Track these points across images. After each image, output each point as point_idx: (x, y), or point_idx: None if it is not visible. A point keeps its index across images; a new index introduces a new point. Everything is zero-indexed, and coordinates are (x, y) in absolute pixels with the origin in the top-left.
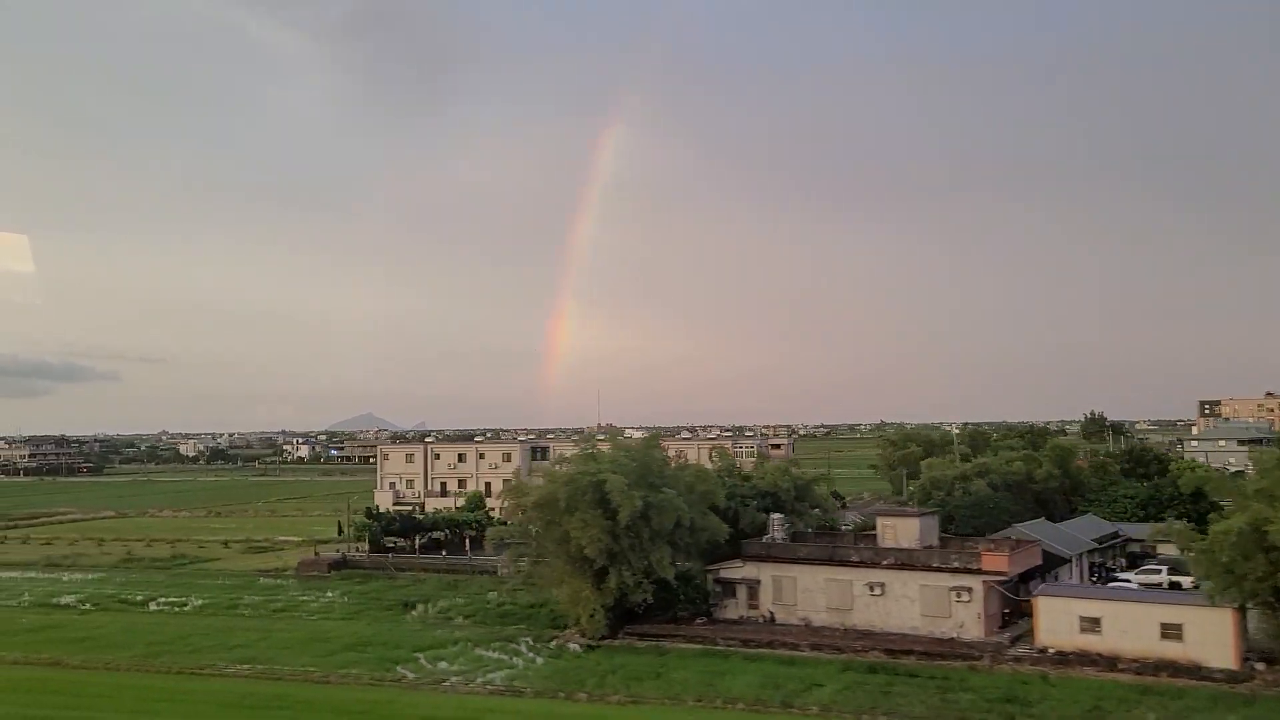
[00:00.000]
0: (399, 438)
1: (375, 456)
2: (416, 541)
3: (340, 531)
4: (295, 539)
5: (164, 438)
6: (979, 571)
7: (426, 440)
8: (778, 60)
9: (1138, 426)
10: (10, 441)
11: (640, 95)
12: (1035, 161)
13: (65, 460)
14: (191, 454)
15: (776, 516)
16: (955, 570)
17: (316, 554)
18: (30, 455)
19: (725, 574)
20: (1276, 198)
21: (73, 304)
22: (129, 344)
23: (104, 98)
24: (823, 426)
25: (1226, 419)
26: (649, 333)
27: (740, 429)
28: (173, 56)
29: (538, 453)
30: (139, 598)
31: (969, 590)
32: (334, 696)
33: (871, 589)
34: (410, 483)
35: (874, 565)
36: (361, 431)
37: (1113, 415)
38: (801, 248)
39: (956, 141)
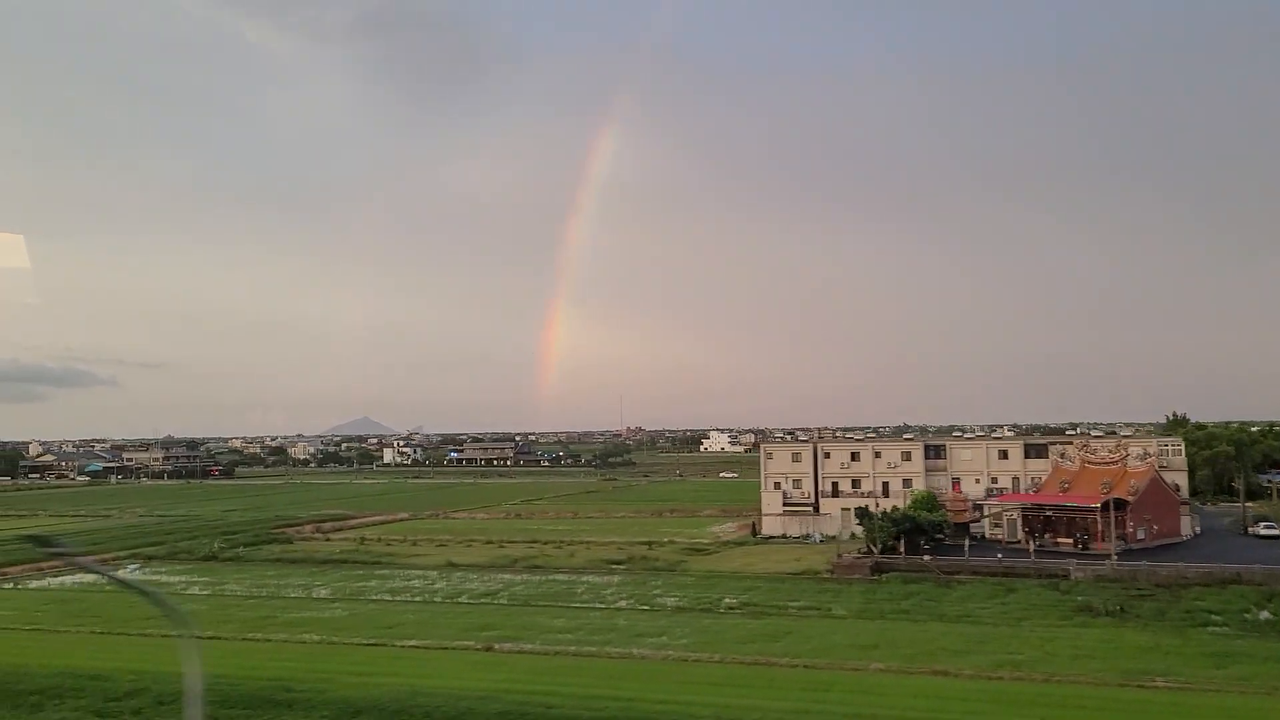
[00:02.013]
0: (788, 437)
1: (494, 459)
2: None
3: (754, 533)
4: (705, 541)
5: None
6: None
7: (806, 439)
8: (778, 61)
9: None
10: (146, 445)
11: (639, 97)
12: (1041, 162)
13: (199, 464)
14: (302, 456)
15: None
16: None
17: (840, 556)
18: (164, 459)
19: None
20: None
21: (73, 309)
22: (129, 349)
23: (103, 102)
24: (842, 429)
25: None
26: (652, 336)
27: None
28: (171, 60)
29: (930, 451)
30: (783, 604)
31: None
32: None
33: None
34: (797, 483)
35: None
36: (415, 433)
37: (1134, 417)
38: (806, 250)
39: (961, 142)
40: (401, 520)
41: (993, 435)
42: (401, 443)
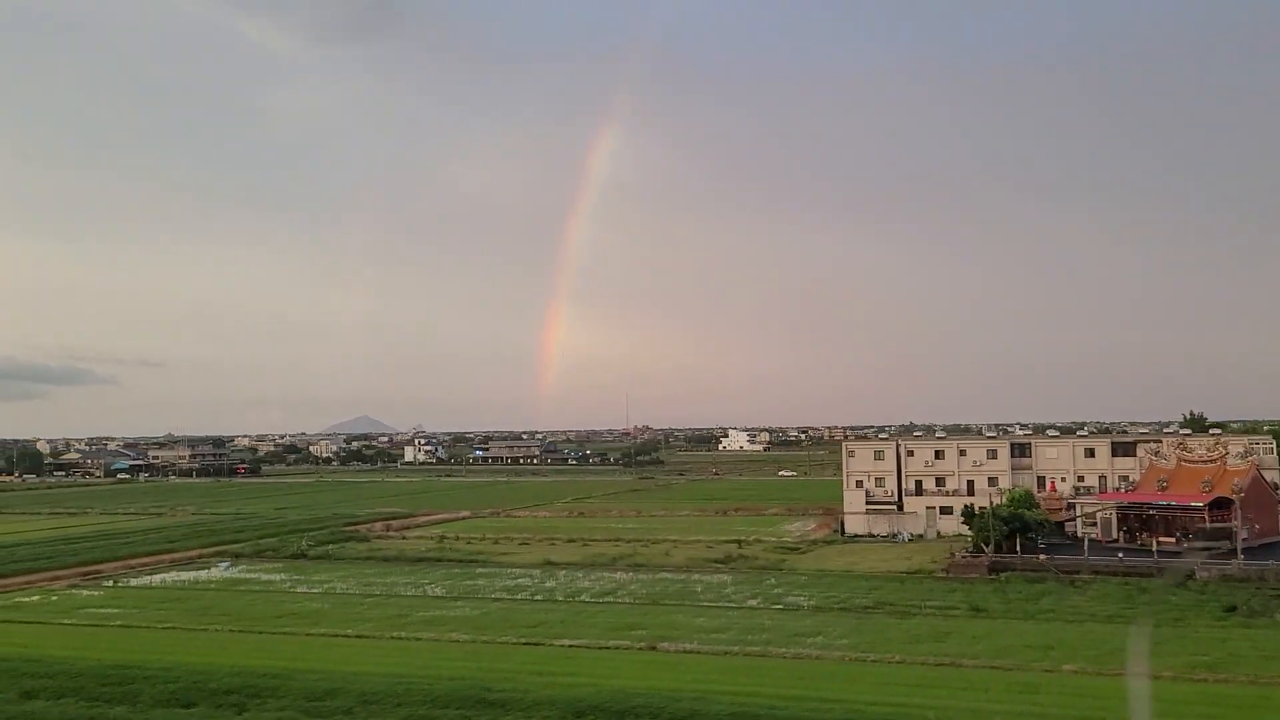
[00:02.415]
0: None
1: (520, 457)
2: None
3: (841, 531)
4: (793, 540)
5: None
6: None
7: (884, 436)
8: (777, 62)
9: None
10: (170, 443)
11: (639, 97)
12: (1043, 160)
13: (226, 462)
14: (325, 455)
15: None
16: None
17: (952, 554)
18: (191, 456)
19: None
20: None
21: (73, 307)
22: (129, 347)
23: (102, 102)
24: (849, 428)
25: None
26: (653, 336)
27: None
28: (170, 61)
29: (1015, 449)
30: (918, 604)
31: None
32: None
33: None
34: (880, 481)
35: None
36: (418, 431)
37: (1140, 416)
38: (807, 248)
39: (963, 140)
40: (465, 519)
41: (1077, 434)
42: (424, 440)
